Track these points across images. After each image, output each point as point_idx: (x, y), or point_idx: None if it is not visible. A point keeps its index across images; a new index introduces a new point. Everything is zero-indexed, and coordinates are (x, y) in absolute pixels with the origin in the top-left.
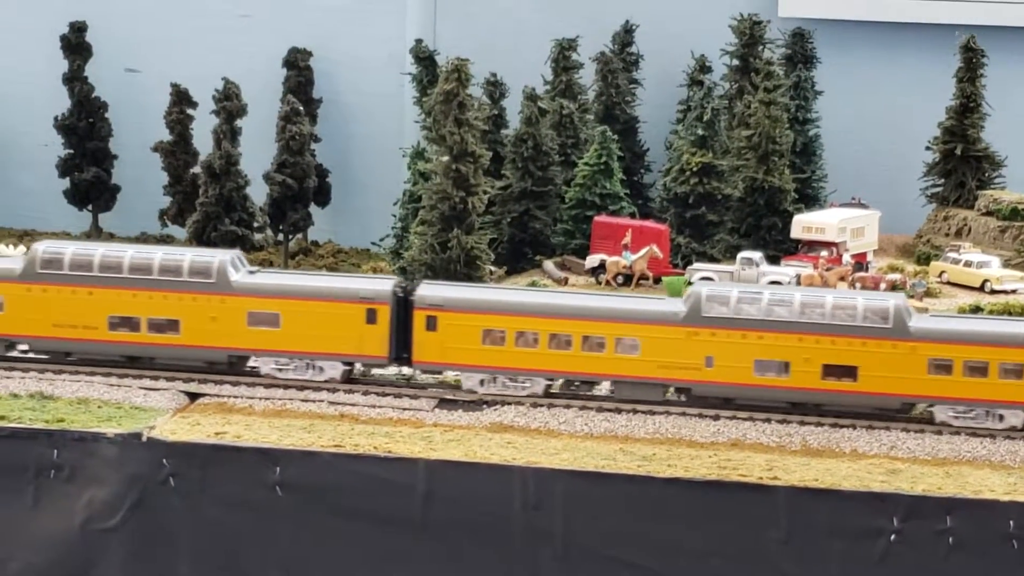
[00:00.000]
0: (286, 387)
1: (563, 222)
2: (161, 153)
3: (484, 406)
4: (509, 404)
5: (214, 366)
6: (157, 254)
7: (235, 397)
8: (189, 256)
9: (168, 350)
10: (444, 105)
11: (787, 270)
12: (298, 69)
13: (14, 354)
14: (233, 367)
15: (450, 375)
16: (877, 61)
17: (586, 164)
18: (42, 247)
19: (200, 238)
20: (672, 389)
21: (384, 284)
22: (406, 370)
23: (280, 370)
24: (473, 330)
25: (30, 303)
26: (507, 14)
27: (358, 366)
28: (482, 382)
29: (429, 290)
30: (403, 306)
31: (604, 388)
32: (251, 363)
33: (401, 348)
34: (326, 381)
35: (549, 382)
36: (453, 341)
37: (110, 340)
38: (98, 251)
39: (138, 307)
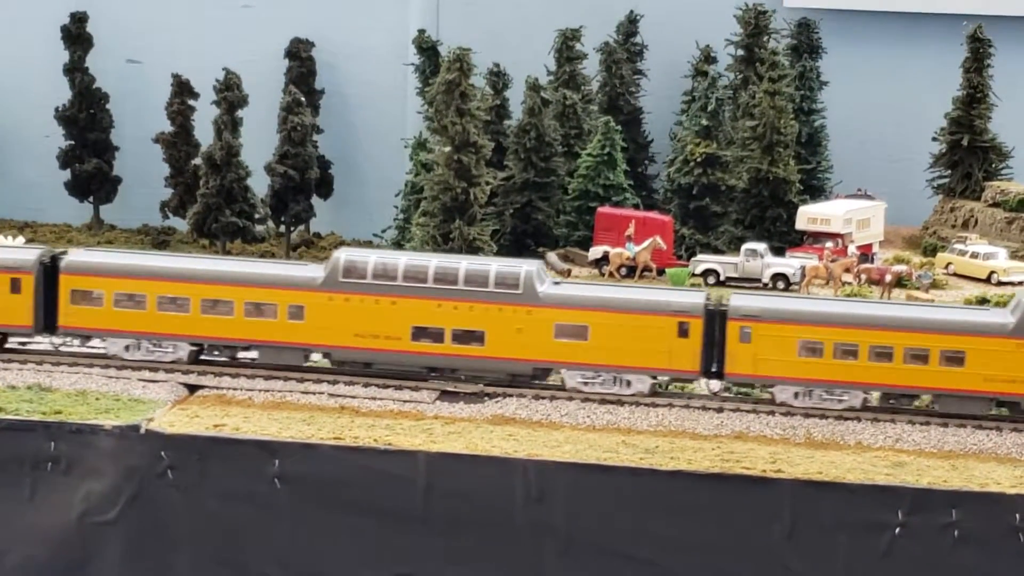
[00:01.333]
0: (286, 379)
1: (566, 213)
2: (162, 144)
3: (486, 399)
4: (511, 396)
5: (516, 379)
6: (462, 263)
7: (234, 389)
8: (495, 267)
9: (472, 362)
10: (446, 95)
11: (792, 262)
12: (300, 60)
13: (11, 345)
14: (536, 380)
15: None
16: (883, 51)
17: (589, 155)
18: (344, 255)
19: (201, 230)
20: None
21: (696, 297)
22: (714, 384)
23: (586, 384)
24: (789, 342)
25: (331, 312)
26: (510, 4)
27: (663, 378)
28: (796, 395)
29: (743, 301)
30: (714, 319)
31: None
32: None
33: (711, 361)
34: (632, 395)
35: (866, 395)
36: (768, 353)
37: (413, 351)
38: (401, 260)
39: (442, 318)
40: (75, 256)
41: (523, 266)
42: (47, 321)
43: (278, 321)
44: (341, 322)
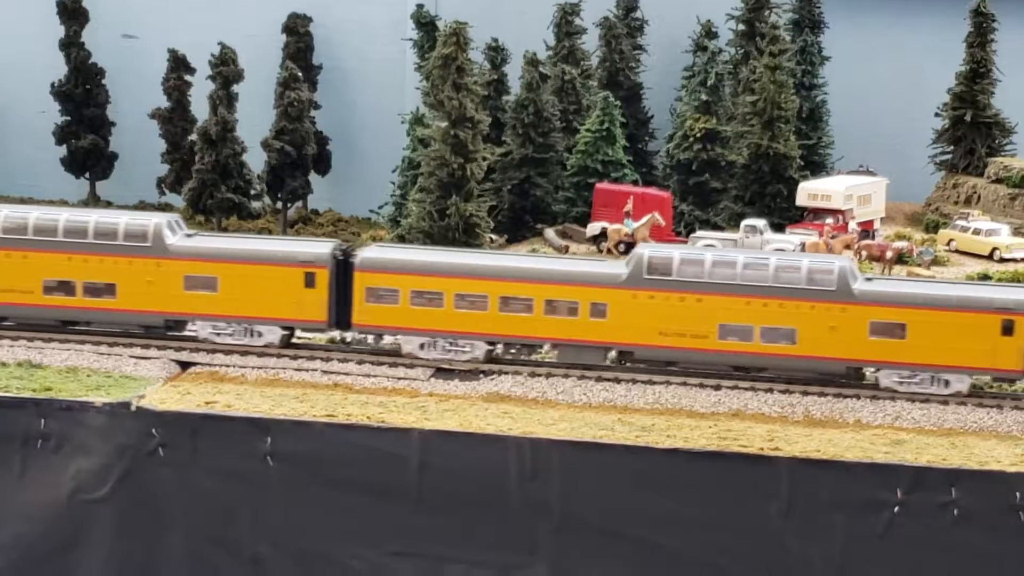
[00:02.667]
0: (279, 356)
1: (564, 189)
2: (159, 120)
3: (481, 376)
4: (506, 373)
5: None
6: (771, 260)
7: (227, 366)
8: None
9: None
10: (442, 69)
11: (792, 238)
12: (298, 35)
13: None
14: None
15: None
16: (885, 26)
17: (588, 131)
18: (647, 251)
19: (197, 206)
20: None
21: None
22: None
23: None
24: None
25: (635, 309)
26: None
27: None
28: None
29: (370, 252)
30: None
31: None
32: None
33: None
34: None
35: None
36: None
37: (719, 350)
38: (707, 256)
39: (751, 315)
40: (370, 252)
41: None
42: (339, 317)
43: (579, 319)
44: (645, 319)
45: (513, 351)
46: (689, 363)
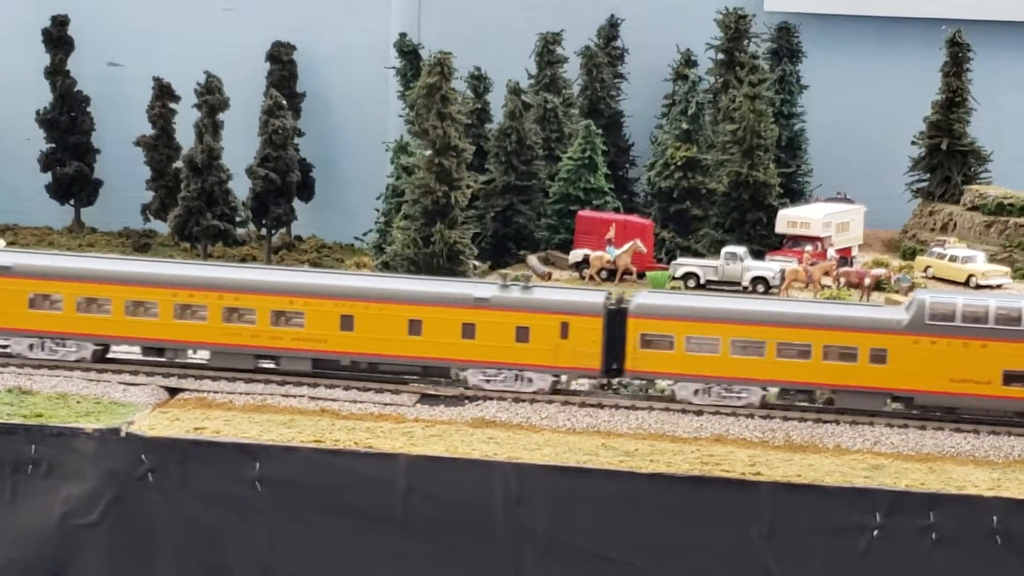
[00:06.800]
0: (267, 382)
1: (547, 216)
2: (143, 147)
3: (466, 401)
4: (491, 399)
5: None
6: None
7: (215, 392)
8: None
9: None
10: (427, 99)
11: (772, 265)
12: (281, 63)
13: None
14: None
15: None
16: (863, 56)
17: (570, 158)
18: (928, 297)
19: (182, 233)
20: None
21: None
22: None
23: None
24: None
25: (918, 355)
26: (492, 8)
27: None
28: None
29: None
30: None
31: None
32: None
33: None
34: None
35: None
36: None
37: (1003, 396)
38: (991, 302)
39: None
40: (644, 299)
41: None
42: (609, 364)
43: (858, 365)
44: (930, 366)
45: (787, 396)
46: (972, 409)
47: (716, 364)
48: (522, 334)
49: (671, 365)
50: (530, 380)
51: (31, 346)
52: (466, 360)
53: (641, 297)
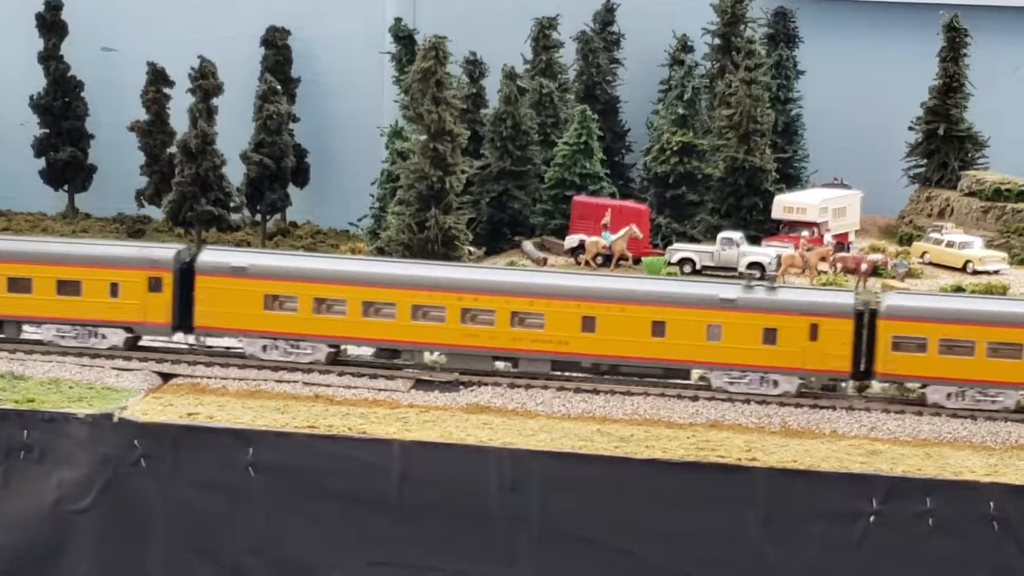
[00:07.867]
0: (260, 367)
1: (542, 202)
2: (137, 133)
3: (461, 387)
4: (486, 385)
5: None
6: None
7: (208, 378)
8: None
9: None
10: (421, 83)
11: (768, 250)
12: (276, 48)
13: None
14: None
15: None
16: (859, 40)
17: (566, 144)
18: None
19: (176, 218)
20: None
21: None
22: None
23: None
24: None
25: None
26: None
27: None
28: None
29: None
30: None
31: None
32: None
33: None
34: None
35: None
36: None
37: None
38: None
39: None
40: (895, 300)
41: None
42: (856, 367)
43: None
44: None
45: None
46: None
47: (971, 367)
48: (769, 336)
49: (924, 368)
50: (776, 383)
51: (264, 347)
52: (710, 362)
53: (892, 299)
